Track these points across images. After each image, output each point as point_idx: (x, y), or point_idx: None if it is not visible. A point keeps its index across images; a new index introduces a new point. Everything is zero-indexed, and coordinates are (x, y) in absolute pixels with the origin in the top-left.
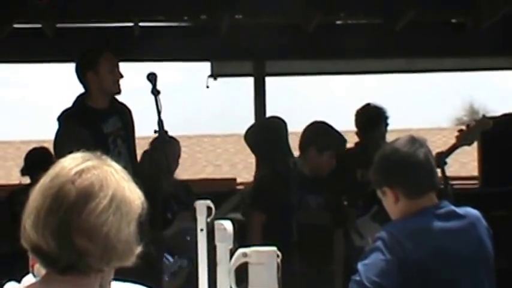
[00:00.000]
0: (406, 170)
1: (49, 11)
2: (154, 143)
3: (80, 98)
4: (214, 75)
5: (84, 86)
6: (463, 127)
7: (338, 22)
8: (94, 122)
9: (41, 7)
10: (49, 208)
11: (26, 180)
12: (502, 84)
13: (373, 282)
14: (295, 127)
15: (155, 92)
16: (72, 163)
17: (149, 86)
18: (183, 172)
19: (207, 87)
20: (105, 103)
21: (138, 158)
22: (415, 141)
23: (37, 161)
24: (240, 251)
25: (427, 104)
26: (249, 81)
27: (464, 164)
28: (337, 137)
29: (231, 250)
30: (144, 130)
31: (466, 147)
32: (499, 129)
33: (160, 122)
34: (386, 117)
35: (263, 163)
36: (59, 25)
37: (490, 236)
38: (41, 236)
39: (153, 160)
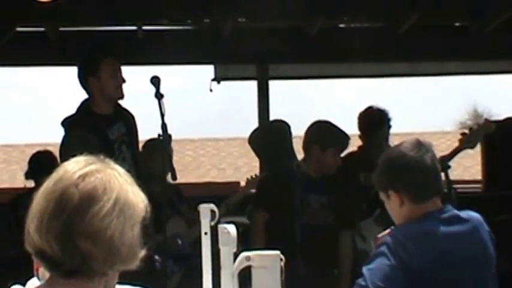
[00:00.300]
0: (413, 175)
1: (52, 15)
2: (146, 146)
3: (84, 104)
4: (217, 78)
5: (87, 92)
6: (466, 130)
7: (341, 25)
8: (100, 128)
9: (44, 10)
10: (52, 212)
11: (31, 183)
12: (506, 87)
13: (378, 287)
14: (299, 130)
15: (159, 96)
16: (76, 167)
17: (153, 89)
18: (187, 175)
19: (211, 90)
20: (109, 109)
21: None
22: (421, 146)
23: (41, 164)
24: (244, 254)
25: (430, 107)
26: (253, 84)
27: (468, 167)
28: (340, 134)
29: (234, 254)
30: (148, 134)
31: (469, 151)
32: (503, 133)
33: (164, 126)
34: (388, 120)
35: (267, 166)
36: (62, 29)
37: (492, 240)
38: (45, 240)
39: (147, 164)
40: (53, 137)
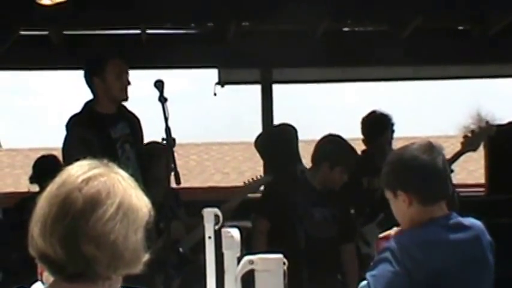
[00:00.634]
0: (426, 177)
1: (56, 18)
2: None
3: (88, 104)
4: (221, 82)
5: (92, 92)
6: (469, 134)
7: (345, 29)
8: (102, 127)
9: (47, 14)
10: (56, 216)
11: (35, 188)
12: (509, 91)
13: None
14: (302, 134)
15: (162, 99)
16: (79, 171)
17: (156, 93)
18: (191, 179)
19: (215, 94)
20: (112, 109)
21: None
22: (433, 149)
23: (46, 168)
24: (247, 258)
25: (434, 111)
26: (257, 88)
27: (471, 171)
28: (349, 152)
29: (238, 258)
30: (152, 137)
31: (473, 155)
32: (506, 137)
33: (167, 130)
34: (392, 124)
35: (271, 169)
36: (65, 32)
37: (492, 249)
38: (48, 244)
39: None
40: (57, 141)
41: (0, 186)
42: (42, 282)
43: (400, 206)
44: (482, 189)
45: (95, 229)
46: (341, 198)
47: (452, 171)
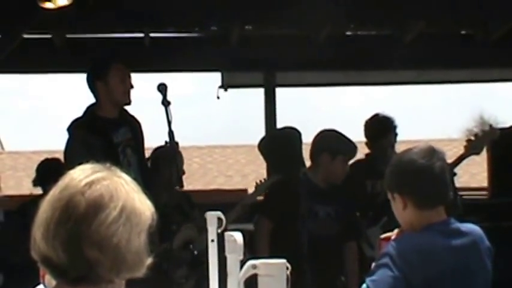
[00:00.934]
0: (419, 181)
1: (59, 22)
2: (156, 153)
3: (90, 108)
4: (224, 86)
5: (95, 96)
6: (472, 137)
7: (348, 33)
8: (104, 131)
9: (50, 18)
10: (59, 219)
11: (38, 190)
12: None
13: None
14: (305, 138)
15: (165, 103)
16: (82, 174)
17: (159, 96)
18: (195, 182)
19: (218, 98)
20: (115, 113)
21: None
22: (433, 153)
23: (49, 172)
24: (250, 262)
25: (437, 115)
26: (260, 92)
27: (474, 174)
28: (348, 142)
29: (241, 261)
30: (155, 141)
31: (476, 158)
32: (509, 140)
33: (170, 133)
34: (395, 127)
35: (274, 172)
36: (68, 36)
37: (490, 256)
38: (51, 248)
39: (158, 171)
40: (60, 144)
41: (3, 188)
42: (45, 286)
43: (397, 208)
44: (485, 192)
45: (98, 233)
46: (343, 195)
47: (455, 174)
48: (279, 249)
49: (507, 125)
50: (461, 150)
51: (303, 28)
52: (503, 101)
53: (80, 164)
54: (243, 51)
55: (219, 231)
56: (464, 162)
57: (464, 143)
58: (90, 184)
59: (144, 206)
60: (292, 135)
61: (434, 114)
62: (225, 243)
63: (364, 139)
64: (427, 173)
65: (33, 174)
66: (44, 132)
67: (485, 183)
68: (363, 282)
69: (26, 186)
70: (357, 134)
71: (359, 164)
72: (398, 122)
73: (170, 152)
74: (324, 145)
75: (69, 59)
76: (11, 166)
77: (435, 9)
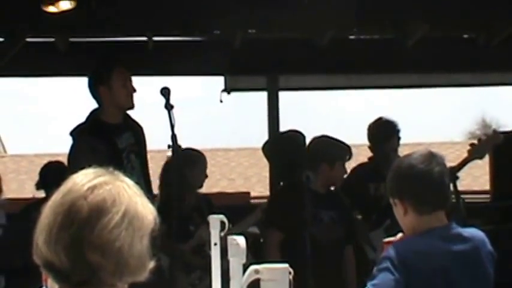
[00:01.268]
0: (418, 187)
1: (62, 25)
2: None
3: (93, 113)
4: (227, 89)
5: (97, 101)
6: (475, 141)
7: (351, 37)
8: (108, 136)
9: (53, 21)
10: (61, 224)
11: (40, 194)
12: None
13: None
14: (308, 141)
15: (168, 107)
16: (85, 179)
17: (163, 100)
18: None
19: (221, 101)
20: (118, 118)
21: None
22: (432, 158)
23: (52, 175)
24: (252, 267)
25: (439, 118)
26: (263, 95)
27: (477, 177)
28: (342, 146)
29: (244, 265)
30: (158, 144)
31: (478, 161)
32: (511, 144)
33: (173, 137)
34: (398, 131)
35: (277, 175)
36: (71, 39)
37: (492, 261)
38: (53, 252)
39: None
40: (62, 147)
41: (5, 191)
42: None
43: (398, 213)
44: (487, 195)
45: (100, 237)
46: (343, 199)
47: (457, 178)
48: (286, 255)
49: (510, 128)
50: (464, 154)
51: (305, 32)
52: (505, 104)
53: (84, 168)
54: (246, 55)
55: (222, 234)
56: (467, 165)
57: (468, 147)
58: (92, 188)
59: (146, 210)
60: (297, 138)
61: (437, 117)
62: (228, 247)
63: (367, 143)
64: (426, 178)
65: (35, 178)
66: (47, 136)
67: (487, 186)
68: (365, 286)
69: (28, 190)
70: (359, 138)
71: (362, 168)
72: (401, 125)
73: (197, 155)
74: (320, 155)
75: (72, 63)
76: (14, 169)
77: (438, 12)
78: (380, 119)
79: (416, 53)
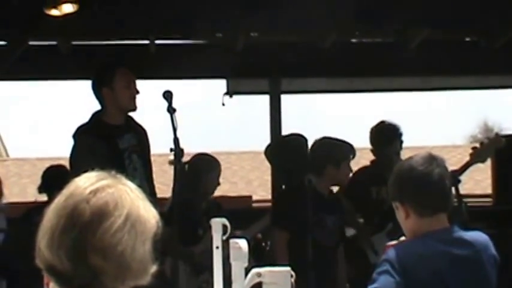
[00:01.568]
0: (418, 189)
1: (64, 28)
2: (195, 160)
3: (95, 115)
4: (230, 92)
5: (100, 102)
6: (477, 145)
7: (353, 40)
8: (110, 137)
9: (56, 24)
10: (63, 227)
11: (43, 197)
12: None
13: None
14: (310, 144)
15: (171, 110)
16: (87, 182)
17: (165, 103)
18: None
19: (223, 104)
20: (120, 119)
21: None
22: (432, 161)
23: (55, 178)
24: (254, 270)
25: (441, 121)
26: (265, 98)
27: (479, 181)
28: (345, 145)
29: (246, 269)
30: (161, 148)
31: (480, 165)
32: None
33: (176, 140)
34: (400, 134)
35: (281, 179)
36: (74, 42)
37: (495, 265)
38: (56, 256)
39: (187, 178)
40: (65, 150)
41: (7, 195)
42: None
43: (400, 217)
44: (489, 199)
45: (103, 241)
46: (342, 203)
47: (459, 181)
48: (291, 258)
49: (511, 132)
50: (466, 157)
51: (308, 35)
52: (507, 107)
53: (85, 170)
54: (248, 57)
55: (224, 238)
56: (469, 169)
57: (470, 151)
58: (95, 192)
59: (149, 214)
60: (299, 141)
61: (438, 120)
62: (230, 251)
63: (369, 146)
64: (426, 181)
65: (38, 181)
66: (49, 139)
67: (489, 190)
68: None
69: (30, 193)
70: (362, 141)
71: (364, 171)
72: (403, 129)
73: (211, 161)
74: (326, 158)
75: (74, 66)
76: (16, 173)
77: (439, 16)
78: (382, 122)
79: (418, 56)
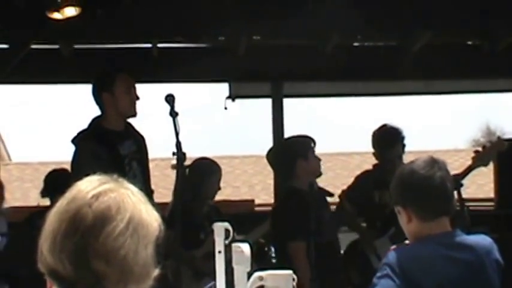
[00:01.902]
0: (419, 193)
1: (66, 32)
2: (196, 165)
3: (95, 121)
4: (232, 96)
5: (100, 108)
6: (479, 149)
7: (355, 44)
8: (111, 143)
9: (58, 28)
10: (66, 232)
11: (45, 202)
12: None
13: None
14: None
15: (173, 114)
16: (89, 186)
17: (167, 107)
18: None
19: (225, 108)
20: (120, 125)
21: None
22: (434, 164)
23: (57, 182)
24: (256, 274)
25: (444, 125)
26: (267, 102)
27: (481, 185)
28: (303, 138)
29: (248, 273)
30: (163, 152)
31: (483, 169)
32: None
33: (178, 144)
34: (402, 138)
35: (282, 181)
36: (76, 46)
37: (498, 270)
38: (58, 260)
39: (188, 183)
40: (67, 155)
41: (9, 200)
42: None
43: (402, 221)
44: (491, 203)
45: (105, 245)
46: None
47: (461, 185)
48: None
49: None
50: (468, 161)
51: (310, 39)
52: (510, 111)
53: (88, 175)
54: (250, 61)
55: (227, 242)
56: (471, 173)
57: (472, 155)
58: (97, 196)
59: (151, 218)
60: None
61: (441, 124)
62: (233, 255)
63: (372, 150)
64: (427, 184)
65: (40, 186)
66: (52, 143)
67: (492, 194)
68: None
69: (33, 198)
70: (364, 145)
71: (367, 175)
72: (405, 132)
73: (211, 165)
74: (292, 156)
75: (77, 70)
76: (18, 177)
77: (442, 19)
78: (384, 125)
79: (421, 60)
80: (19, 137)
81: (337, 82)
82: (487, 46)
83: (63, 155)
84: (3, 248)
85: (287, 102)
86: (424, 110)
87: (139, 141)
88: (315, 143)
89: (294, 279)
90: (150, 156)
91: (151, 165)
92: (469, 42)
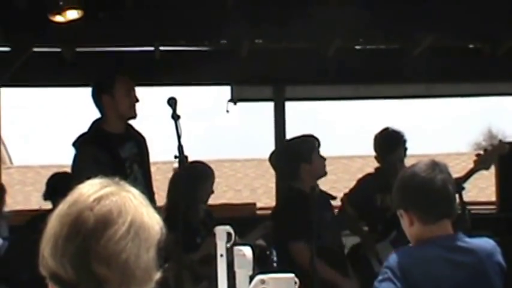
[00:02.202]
0: (421, 196)
1: (68, 35)
2: (191, 169)
3: (95, 123)
4: (234, 99)
5: (100, 111)
6: (481, 152)
7: (357, 47)
8: (111, 146)
9: (60, 31)
10: (67, 235)
11: (47, 205)
12: None
13: None
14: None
15: (175, 117)
16: (91, 190)
17: (169, 110)
18: None
19: (227, 111)
20: (121, 128)
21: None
22: (435, 167)
23: (59, 185)
24: (258, 277)
25: (445, 129)
26: (269, 105)
27: (483, 189)
28: (306, 137)
29: (250, 277)
30: (164, 155)
31: (484, 172)
32: None
33: (180, 147)
34: (404, 141)
35: (283, 183)
36: (78, 49)
37: (501, 273)
38: (59, 264)
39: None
40: (68, 158)
41: (11, 203)
42: None
43: (404, 225)
44: (493, 206)
45: (107, 248)
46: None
47: (463, 188)
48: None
49: None
50: (470, 164)
51: (312, 42)
52: (511, 114)
53: (89, 178)
54: (252, 64)
55: (228, 246)
56: (473, 176)
57: (474, 158)
58: (98, 199)
59: (153, 221)
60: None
61: (443, 128)
62: (234, 258)
63: (373, 153)
64: (428, 187)
65: (41, 189)
66: (53, 147)
67: (493, 197)
68: None
69: (34, 201)
70: (366, 148)
71: (368, 178)
72: (407, 136)
73: (205, 169)
74: (295, 157)
75: (78, 73)
76: (20, 180)
77: (443, 23)
78: (386, 129)
79: (422, 63)
80: (20, 141)
81: (339, 85)
82: (488, 50)
83: (65, 158)
84: (4, 252)
85: (289, 105)
86: (425, 113)
87: (140, 142)
88: (319, 143)
89: (296, 283)
90: (152, 159)
91: (152, 168)
92: (471, 46)
